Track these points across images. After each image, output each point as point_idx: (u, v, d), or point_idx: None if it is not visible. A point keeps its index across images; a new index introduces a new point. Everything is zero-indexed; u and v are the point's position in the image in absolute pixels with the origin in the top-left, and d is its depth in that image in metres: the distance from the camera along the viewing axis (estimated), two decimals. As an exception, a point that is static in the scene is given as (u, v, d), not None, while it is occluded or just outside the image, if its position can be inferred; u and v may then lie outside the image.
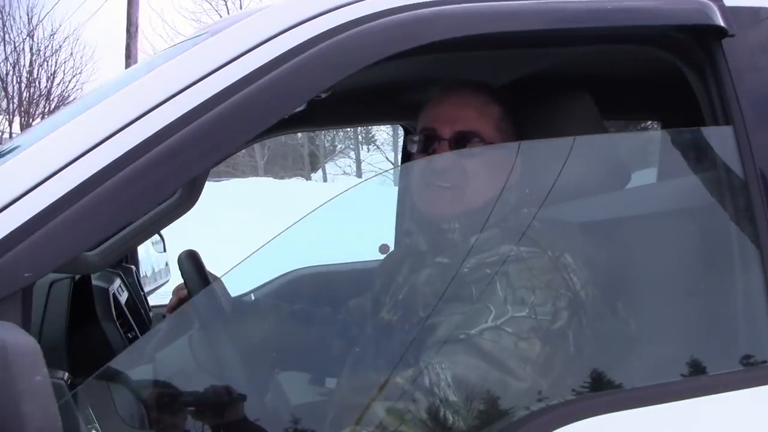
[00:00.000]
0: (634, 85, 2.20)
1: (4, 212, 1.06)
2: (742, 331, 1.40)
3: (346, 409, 1.47)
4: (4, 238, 1.04)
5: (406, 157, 3.05)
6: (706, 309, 1.51)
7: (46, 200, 1.07)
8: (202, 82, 1.18)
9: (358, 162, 32.16)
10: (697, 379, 1.38)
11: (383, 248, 2.05)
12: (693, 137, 1.60)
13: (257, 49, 1.21)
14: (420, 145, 1.77)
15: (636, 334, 1.51)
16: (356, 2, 1.27)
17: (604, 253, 1.59)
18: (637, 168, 1.88)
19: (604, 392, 1.37)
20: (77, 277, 2.32)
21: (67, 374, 1.24)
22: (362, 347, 1.79)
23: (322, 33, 1.23)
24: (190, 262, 1.75)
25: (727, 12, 1.43)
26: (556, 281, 1.47)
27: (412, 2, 1.28)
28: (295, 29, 1.23)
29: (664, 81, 1.76)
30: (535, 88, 1.91)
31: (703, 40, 1.44)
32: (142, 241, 1.27)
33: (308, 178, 29.20)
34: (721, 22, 1.41)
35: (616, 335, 1.52)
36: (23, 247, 1.04)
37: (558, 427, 1.20)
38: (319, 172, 32.26)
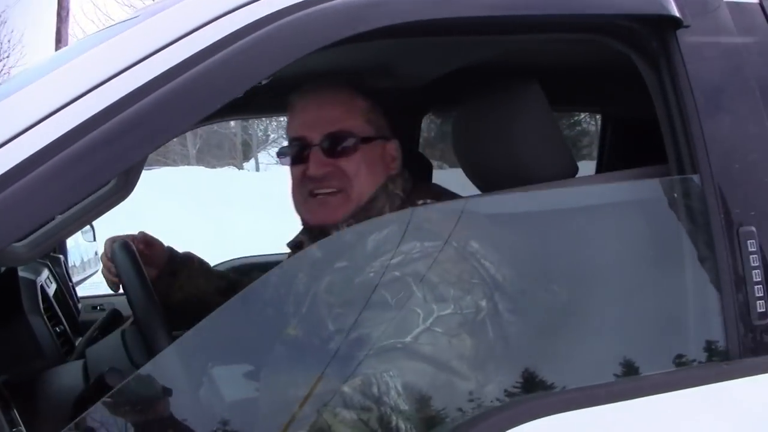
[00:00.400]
0: (582, 76, 2.18)
1: None
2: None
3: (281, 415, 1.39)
4: None
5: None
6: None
7: None
8: (137, 66, 1.13)
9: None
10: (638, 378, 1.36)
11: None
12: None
13: (195, 32, 1.16)
14: (293, 155, 1.73)
15: (568, 307, 1.44)
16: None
17: (511, 235, 1.55)
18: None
19: (555, 392, 1.33)
20: (2, 268, 2.22)
21: None
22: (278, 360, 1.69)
23: (262, 18, 1.18)
24: (124, 252, 1.68)
25: (682, 2, 1.41)
26: (468, 270, 1.41)
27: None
28: (234, 13, 1.18)
29: (610, 72, 1.75)
30: (482, 76, 1.87)
31: (657, 30, 1.41)
32: (74, 232, 1.19)
33: (240, 168, 28.95)
34: (676, 13, 1.39)
35: (547, 310, 1.45)
36: None
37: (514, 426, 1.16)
38: (252, 161, 32.01)
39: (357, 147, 1.69)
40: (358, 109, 1.73)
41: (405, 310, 1.35)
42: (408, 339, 1.32)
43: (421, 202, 1.68)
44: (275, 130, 33.80)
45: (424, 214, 1.54)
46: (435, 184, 1.96)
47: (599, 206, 1.56)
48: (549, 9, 1.37)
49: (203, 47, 1.14)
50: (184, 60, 1.13)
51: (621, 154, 2.90)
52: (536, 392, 1.31)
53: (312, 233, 1.76)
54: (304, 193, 1.72)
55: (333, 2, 1.20)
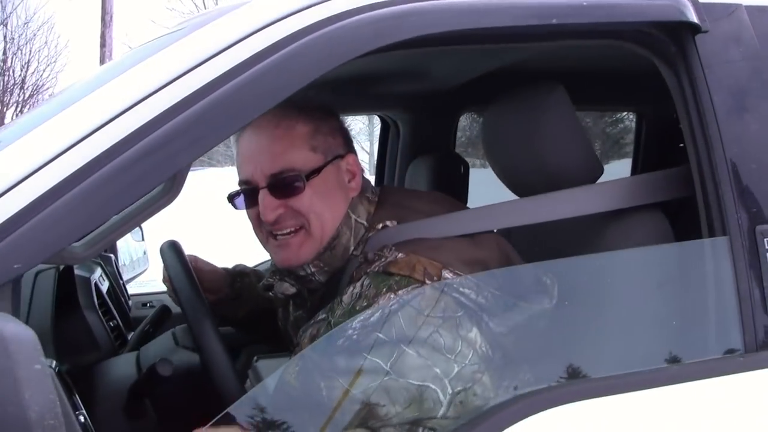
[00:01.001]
0: (609, 78, 2.24)
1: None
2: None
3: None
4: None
5: (383, 145, 3.08)
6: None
7: (33, 193, 1.09)
8: (184, 77, 1.20)
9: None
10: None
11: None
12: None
13: (238, 44, 1.23)
14: (244, 199, 1.64)
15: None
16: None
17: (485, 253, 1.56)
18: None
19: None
20: (61, 267, 2.34)
21: (54, 362, 1.27)
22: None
23: (297, 30, 1.24)
24: (173, 251, 1.77)
25: (700, 8, 1.46)
26: (451, 306, 1.38)
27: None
28: (274, 25, 1.25)
29: (637, 74, 1.80)
30: (514, 78, 1.93)
31: (676, 35, 1.47)
32: (126, 233, 1.27)
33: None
34: (695, 19, 1.44)
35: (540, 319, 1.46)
36: (12, 240, 1.06)
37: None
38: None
39: (304, 183, 1.58)
40: (300, 138, 1.60)
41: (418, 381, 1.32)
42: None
43: (380, 225, 1.62)
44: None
45: (386, 242, 1.55)
46: (397, 193, 1.87)
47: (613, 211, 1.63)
48: (578, 18, 1.42)
49: (243, 60, 1.21)
50: (226, 71, 1.20)
51: (655, 152, 2.95)
52: (565, 382, 1.37)
53: (281, 273, 1.69)
54: (265, 235, 1.64)
55: (360, 16, 1.27)
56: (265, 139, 1.59)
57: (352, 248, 1.62)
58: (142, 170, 1.14)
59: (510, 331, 1.43)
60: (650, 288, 1.49)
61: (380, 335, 1.33)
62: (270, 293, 1.72)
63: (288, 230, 1.59)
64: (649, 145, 2.96)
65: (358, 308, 1.42)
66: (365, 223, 1.64)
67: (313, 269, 1.62)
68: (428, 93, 2.67)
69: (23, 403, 0.88)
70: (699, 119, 1.45)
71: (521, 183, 1.81)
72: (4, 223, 1.07)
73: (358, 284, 1.47)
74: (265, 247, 1.67)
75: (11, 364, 0.89)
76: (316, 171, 1.59)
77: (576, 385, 1.36)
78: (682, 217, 1.61)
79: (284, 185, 1.58)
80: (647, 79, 1.65)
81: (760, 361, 1.36)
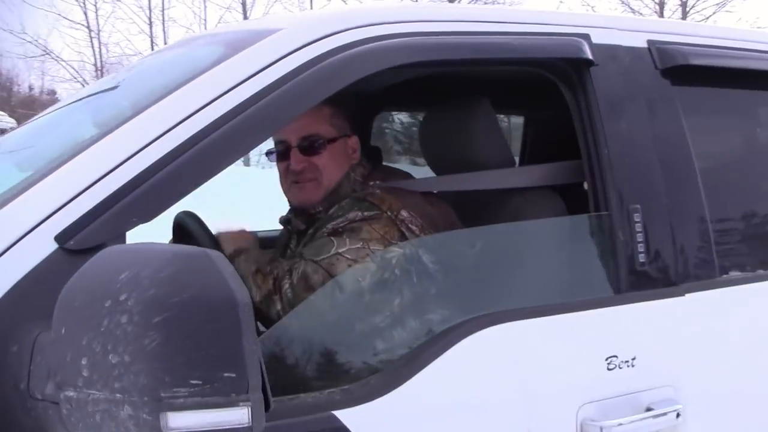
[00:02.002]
0: (515, 90, 2.79)
1: (113, 173, 1.47)
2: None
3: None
4: (116, 192, 1.45)
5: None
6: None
7: (141, 165, 1.49)
8: (234, 90, 1.64)
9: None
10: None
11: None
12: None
13: (266, 70, 1.67)
14: (278, 154, 2.29)
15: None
16: (345, 31, 1.78)
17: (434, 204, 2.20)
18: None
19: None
20: None
21: None
22: None
23: (316, 56, 1.72)
24: (190, 218, 2.22)
25: (594, 48, 2.03)
26: (392, 233, 2.05)
27: (383, 33, 1.81)
28: (300, 51, 1.73)
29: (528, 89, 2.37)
30: (440, 87, 2.47)
31: (577, 67, 2.03)
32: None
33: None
34: (590, 56, 2.01)
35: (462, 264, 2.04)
36: (133, 198, 1.46)
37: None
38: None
39: (324, 146, 2.25)
40: (324, 116, 2.25)
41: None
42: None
43: (372, 183, 2.27)
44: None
45: (370, 191, 2.17)
46: (387, 167, 2.57)
47: (529, 188, 2.21)
48: (507, 54, 1.97)
49: (272, 81, 1.67)
50: (262, 89, 1.65)
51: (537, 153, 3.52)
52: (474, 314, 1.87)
53: (296, 211, 2.35)
54: (289, 182, 2.30)
55: (372, 45, 1.76)
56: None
57: (350, 195, 2.23)
58: (217, 154, 1.59)
59: (434, 267, 1.97)
60: (555, 247, 2.06)
61: (345, 237, 2.05)
62: (288, 226, 2.41)
63: (306, 178, 2.25)
64: (534, 144, 3.56)
65: (332, 215, 2.15)
66: (360, 179, 2.30)
67: (320, 208, 2.24)
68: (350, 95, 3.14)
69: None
70: (590, 127, 2.01)
71: (452, 172, 2.36)
72: (122, 187, 1.45)
73: (343, 203, 2.14)
74: (286, 192, 2.35)
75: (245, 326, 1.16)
76: (333, 140, 2.27)
77: (500, 313, 1.87)
78: (568, 199, 2.23)
79: (310, 146, 2.25)
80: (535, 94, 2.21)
81: (629, 298, 1.94)
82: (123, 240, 1.44)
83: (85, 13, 30.10)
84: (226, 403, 1.14)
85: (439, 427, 1.67)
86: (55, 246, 1.39)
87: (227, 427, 1.15)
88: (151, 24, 31.08)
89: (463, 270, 1.99)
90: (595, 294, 1.98)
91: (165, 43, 28.67)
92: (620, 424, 1.81)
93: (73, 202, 1.44)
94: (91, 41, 30.35)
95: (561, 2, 26.04)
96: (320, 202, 2.24)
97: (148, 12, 31.00)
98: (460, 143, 2.32)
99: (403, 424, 1.63)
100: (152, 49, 29.33)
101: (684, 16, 29.44)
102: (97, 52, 30.34)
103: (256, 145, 1.72)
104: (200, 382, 1.13)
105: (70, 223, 1.41)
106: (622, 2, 29.29)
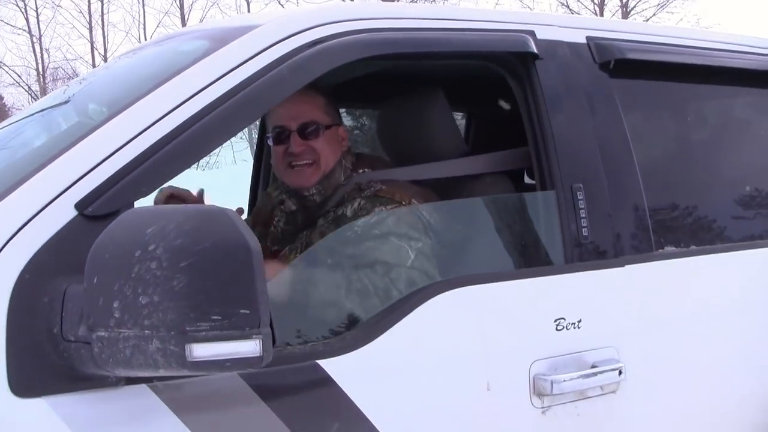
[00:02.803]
0: (464, 85, 3.01)
1: (122, 149, 1.65)
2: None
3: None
4: (129, 163, 1.63)
5: (260, 147, 3.67)
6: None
7: (146, 143, 1.67)
8: (223, 78, 1.82)
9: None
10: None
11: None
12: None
13: (252, 59, 1.86)
14: (275, 138, 2.43)
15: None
16: (318, 26, 1.97)
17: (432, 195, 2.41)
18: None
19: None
20: None
21: None
22: None
23: (294, 48, 1.91)
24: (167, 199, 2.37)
25: (539, 42, 2.24)
26: (413, 216, 2.23)
27: (345, 30, 2.00)
28: (279, 44, 1.91)
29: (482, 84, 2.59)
30: (396, 80, 2.68)
31: (523, 60, 2.24)
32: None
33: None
34: (535, 50, 2.23)
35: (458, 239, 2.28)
36: (140, 171, 1.64)
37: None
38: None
39: (322, 131, 2.42)
40: (320, 105, 2.43)
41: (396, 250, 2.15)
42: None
43: (361, 171, 2.47)
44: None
45: (371, 181, 2.37)
46: (368, 155, 2.75)
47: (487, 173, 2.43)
48: (458, 47, 2.18)
49: (258, 69, 1.85)
50: (247, 77, 1.83)
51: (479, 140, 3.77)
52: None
53: (289, 193, 2.52)
54: (285, 165, 2.44)
55: (337, 41, 1.96)
56: (298, 100, 2.30)
57: (342, 181, 2.44)
58: (212, 133, 1.77)
59: (437, 235, 2.22)
60: (510, 222, 2.28)
61: (376, 230, 2.18)
62: (281, 207, 2.58)
63: (304, 161, 2.41)
64: (476, 135, 3.79)
65: (360, 215, 2.26)
66: (350, 165, 2.48)
67: (314, 191, 2.42)
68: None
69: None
70: (537, 114, 2.21)
71: (409, 162, 2.56)
72: (132, 160, 1.64)
73: (356, 203, 2.31)
74: (282, 175, 2.51)
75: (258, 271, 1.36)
76: (328, 127, 2.44)
77: (461, 278, 2.06)
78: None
79: (308, 131, 2.41)
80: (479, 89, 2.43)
81: (575, 268, 2.15)
82: (132, 207, 1.61)
83: (27, 19, 30.72)
84: (241, 336, 1.33)
85: (406, 378, 1.86)
86: (75, 213, 1.57)
87: (241, 356, 1.34)
88: (91, 28, 31.60)
89: (445, 241, 2.22)
90: (546, 262, 2.19)
91: (105, 48, 30.60)
92: (570, 379, 2.02)
93: (89, 174, 1.62)
94: (33, 46, 30.82)
95: (497, 3, 26.67)
96: (315, 185, 2.41)
97: (87, 17, 31.57)
98: (419, 134, 2.52)
99: (375, 374, 1.82)
100: (92, 53, 30.76)
101: (625, 17, 30.51)
102: (39, 57, 30.67)
103: (244, 128, 1.91)
104: (219, 318, 1.32)
105: (87, 192, 1.60)
106: (561, 4, 30.24)
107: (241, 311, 1.33)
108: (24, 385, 1.47)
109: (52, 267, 1.52)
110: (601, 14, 31.25)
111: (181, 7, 31.42)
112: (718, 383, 2.38)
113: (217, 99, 1.79)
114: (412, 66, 2.64)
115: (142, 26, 35.11)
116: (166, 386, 1.57)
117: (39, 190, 1.59)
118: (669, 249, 2.38)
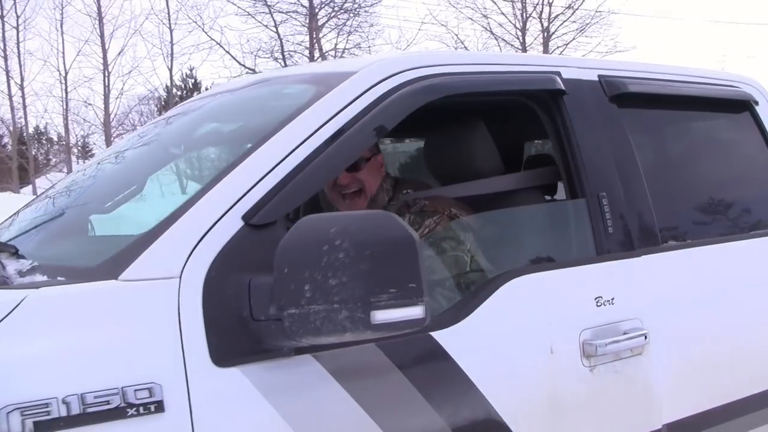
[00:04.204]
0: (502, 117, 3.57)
1: (275, 169, 2.13)
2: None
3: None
4: (278, 183, 2.10)
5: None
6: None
7: (290, 166, 2.16)
8: (334, 118, 2.32)
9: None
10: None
11: None
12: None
13: (357, 99, 2.36)
14: None
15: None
16: (400, 73, 2.50)
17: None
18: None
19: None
20: None
21: None
22: None
23: (386, 92, 2.43)
24: None
25: (565, 81, 2.82)
26: (460, 225, 2.77)
27: (424, 74, 2.53)
28: (374, 88, 2.42)
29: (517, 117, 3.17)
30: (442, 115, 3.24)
31: (553, 96, 2.81)
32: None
33: (17, 192, 28.77)
34: (562, 86, 2.80)
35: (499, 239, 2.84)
36: (287, 190, 2.11)
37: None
38: (29, 186, 31.65)
39: (363, 164, 2.91)
40: None
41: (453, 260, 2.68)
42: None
43: (405, 191, 3.02)
44: (56, 154, 33.78)
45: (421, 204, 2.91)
46: (405, 179, 3.27)
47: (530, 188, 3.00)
48: (505, 87, 2.75)
49: (362, 108, 2.35)
50: (356, 114, 2.33)
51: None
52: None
53: None
54: (337, 195, 2.95)
55: (411, 87, 2.49)
56: None
57: (387, 202, 2.94)
58: (331, 165, 2.28)
59: (483, 239, 2.74)
60: (551, 224, 2.84)
61: (430, 239, 2.71)
62: None
63: (352, 190, 2.92)
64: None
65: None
66: (390, 188, 3.04)
67: None
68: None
69: None
70: (567, 139, 2.78)
71: (453, 181, 3.10)
72: (282, 179, 2.12)
73: (406, 218, 2.79)
74: (335, 203, 3.00)
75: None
76: (369, 158, 2.94)
77: (523, 268, 2.61)
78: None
79: (354, 164, 2.85)
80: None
81: (605, 258, 2.71)
82: (282, 218, 2.11)
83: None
84: (410, 303, 1.83)
85: (492, 347, 2.39)
86: (242, 223, 2.04)
87: (410, 318, 1.84)
88: (6, 57, 31.40)
89: (495, 241, 2.74)
90: (583, 254, 2.75)
91: (21, 77, 30.88)
92: (609, 343, 2.56)
93: (250, 191, 2.09)
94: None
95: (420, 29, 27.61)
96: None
97: (2, 44, 31.29)
98: (461, 157, 3.07)
99: (471, 344, 2.34)
100: (8, 82, 30.91)
101: (546, 42, 31.65)
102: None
103: (356, 158, 2.41)
104: (395, 290, 1.82)
105: (250, 207, 2.07)
106: (485, 29, 31.40)
107: (410, 285, 1.83)
108: (221, 358, 1.93)
109: (230, 266, 1.98)
110: (524, 39, 32.52)
111: (102, 36, 31.50)
112: (719, 342, 2.98)
113: (334, 133, 2.27)
114: (457, 101, 3.19)
115: (61, 54, 34.79)
116: (327, 355, 2.06)
117: (213, 206, 2.05)
118: (671, 243, 2.96)
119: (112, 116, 32.74)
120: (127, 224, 2.52)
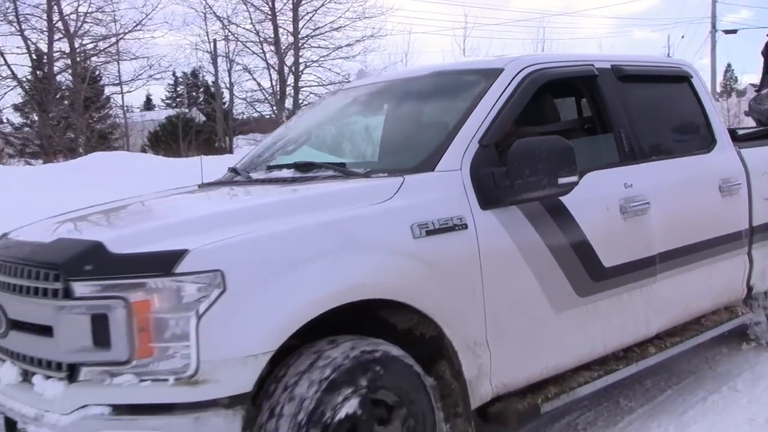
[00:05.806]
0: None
1: (482, 124, 4.44)
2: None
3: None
4: (486, 129, 4.42)
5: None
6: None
7: (489, 121, 4.48)
8: (501, 97, 4.63)
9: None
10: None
11: None
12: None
13: (509, 86, 4.68)
14: None
15: None
16: (530, 66, 4.79)
17: None
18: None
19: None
20: None
21: None
22: None
23: (522, 78, 4.73)
24: None
25: (596, 68, 5.17)
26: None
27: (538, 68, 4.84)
28: (516, 77, 4.71)
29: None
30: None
31: (592, 79, 5.17)
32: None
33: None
34: (596, 72, 5.15)
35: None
36: (493, 129, 4.44)
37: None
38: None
39: None
40: None
41: None
42: None
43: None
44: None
45: None
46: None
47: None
48: (569, 75, 5.13)
49: (512, 90, 4.67)
50: (510, 94, 4.67)
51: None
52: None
53: None
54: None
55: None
56: None
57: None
58: (507, 118, 4.58)
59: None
60: (595, 147, 5.22)
61: None
62: None
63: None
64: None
65: None
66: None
67: None
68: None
69: None
70: (602, 103, 5.13)
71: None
72: (487, 127, 4.41)
73: None
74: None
75: None
76: None
77: (590, 167, 4.97)
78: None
79: None
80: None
81: (625, 163, 5.10)
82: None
83: None
84: (573, 173, 4.20)
85: (583, 209, 4.70)
86: (478, 145, 4.33)
87: (571, 181, 4.19)
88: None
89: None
90: (614, 162, 5.12)
91: None
92: (631, 206, 4.93)
93: (477, 131, 4.40)
94: None
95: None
96: None
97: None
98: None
99: (572, 206, 4.67)
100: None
101: (296, 6, 35.41)
102: None
103: (517, 115, 4.68)
104: (566, 169, 4.17)
105: (482, 133, 4.37)
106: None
107: (573, 167, 4.15)
108: (483, 205, 4.09)
109: (479, 163, 4.14)
110: (273, 4, 34.97)
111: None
112: (685, 210, 5.40)
113: (505, 101, 4.50)
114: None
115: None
116: (525, 206, 4.24)
117: (464, 137, 4.28)
118: (653, 157, 5.29)
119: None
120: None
